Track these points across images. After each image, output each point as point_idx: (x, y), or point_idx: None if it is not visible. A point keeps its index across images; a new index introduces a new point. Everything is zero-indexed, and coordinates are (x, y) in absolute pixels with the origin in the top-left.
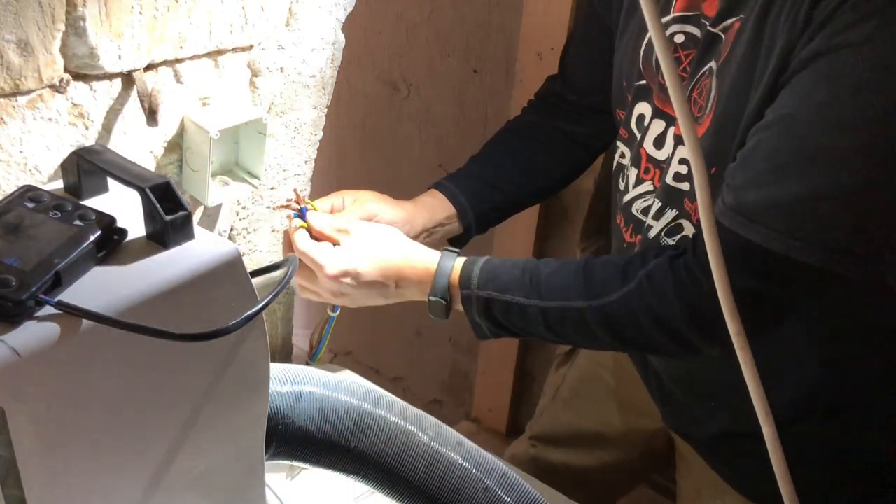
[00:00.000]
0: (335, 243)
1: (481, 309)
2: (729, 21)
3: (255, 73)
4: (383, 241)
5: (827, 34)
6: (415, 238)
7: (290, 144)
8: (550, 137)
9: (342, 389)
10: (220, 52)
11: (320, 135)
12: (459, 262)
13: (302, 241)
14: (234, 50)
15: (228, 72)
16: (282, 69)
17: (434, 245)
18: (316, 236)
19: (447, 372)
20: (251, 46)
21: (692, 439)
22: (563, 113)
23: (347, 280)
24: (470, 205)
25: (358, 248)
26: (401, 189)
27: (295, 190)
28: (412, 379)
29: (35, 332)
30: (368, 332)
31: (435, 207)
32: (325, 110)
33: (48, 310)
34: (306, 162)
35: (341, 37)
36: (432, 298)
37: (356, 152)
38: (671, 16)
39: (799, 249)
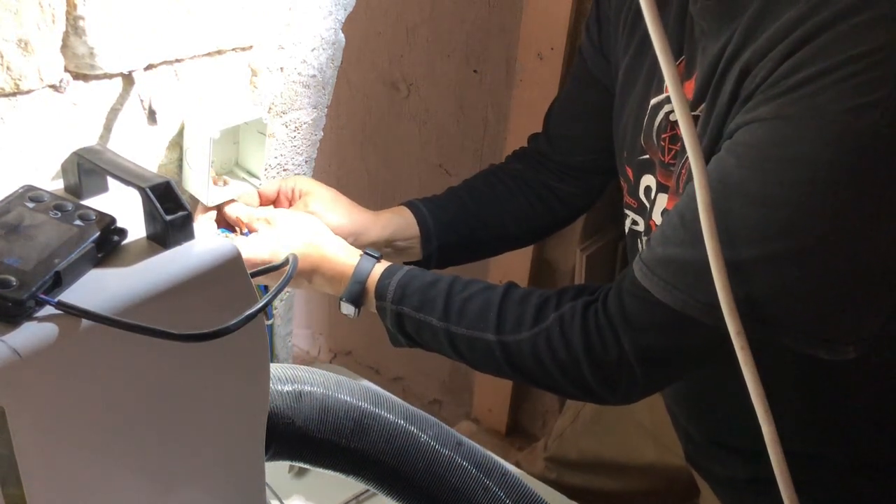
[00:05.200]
0: (253, 231)
1: (394, 322)
2: (703, 105)
3: (254, 73)
4: (303, 232)
5: (746, 109)
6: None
7: (290, 144)
8: (532, 188)
9: (342, 389)
10: (220, 52)
11: (320, 135)
12: (378, 269)
13: (214, 228)
14: (234, 50)
15: (228, 71)
16: (282, 69)
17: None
18: (234, 224)
19: (447, 372)
20: (251, 46)
21: (713, 480)
22: (549, 170)
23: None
24: (436, 232)
25: (277, 238)
26: (401, 189)
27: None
28: (412, 379)
29: (35, 332)
30: (368, 332)
31: (394, 224)
32: (325, 110)
33: (48, 310)
34: (306, 162)
35: (341, 37)
36: (343, 301)
37: (356, 152)
38: (663, 95)
39: (693, 307)
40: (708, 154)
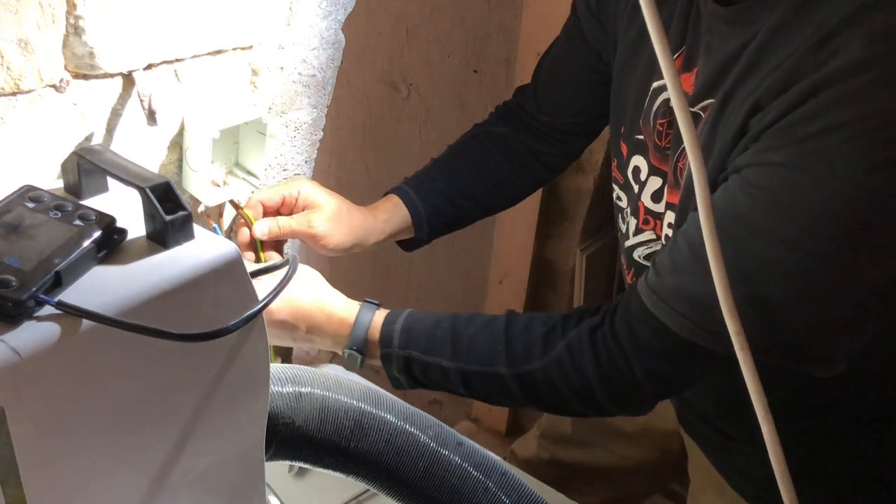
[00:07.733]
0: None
1: (402, 367)
2: (705, 102)
3: (255, 73)
4: (298, 283)
5: (756, 148)
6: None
7: (290, 144)
8: (517, 155)
9: (342, 390)
10: (220, 52)
11: (320, 135)
12: (379, 316)
13: None
14: (234, 49)
15: (228, 71)
16: (282, 69)
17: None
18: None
19: None
20: (251, 46)
21: (704, 443)
22: (534, 131)
23: None
24: (427, 218)
25: (286, 299)
26: None
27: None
28: None
29: (35, 332)
30: None
31: (391, 225)
32: (325, 110)
33: (48, 310)
34: (306, 162)
35: (341, 37)
36: (348, 351)
37: (356, 152)
38: (661, 82)
39: (704, 337)
40: (714, 175)
